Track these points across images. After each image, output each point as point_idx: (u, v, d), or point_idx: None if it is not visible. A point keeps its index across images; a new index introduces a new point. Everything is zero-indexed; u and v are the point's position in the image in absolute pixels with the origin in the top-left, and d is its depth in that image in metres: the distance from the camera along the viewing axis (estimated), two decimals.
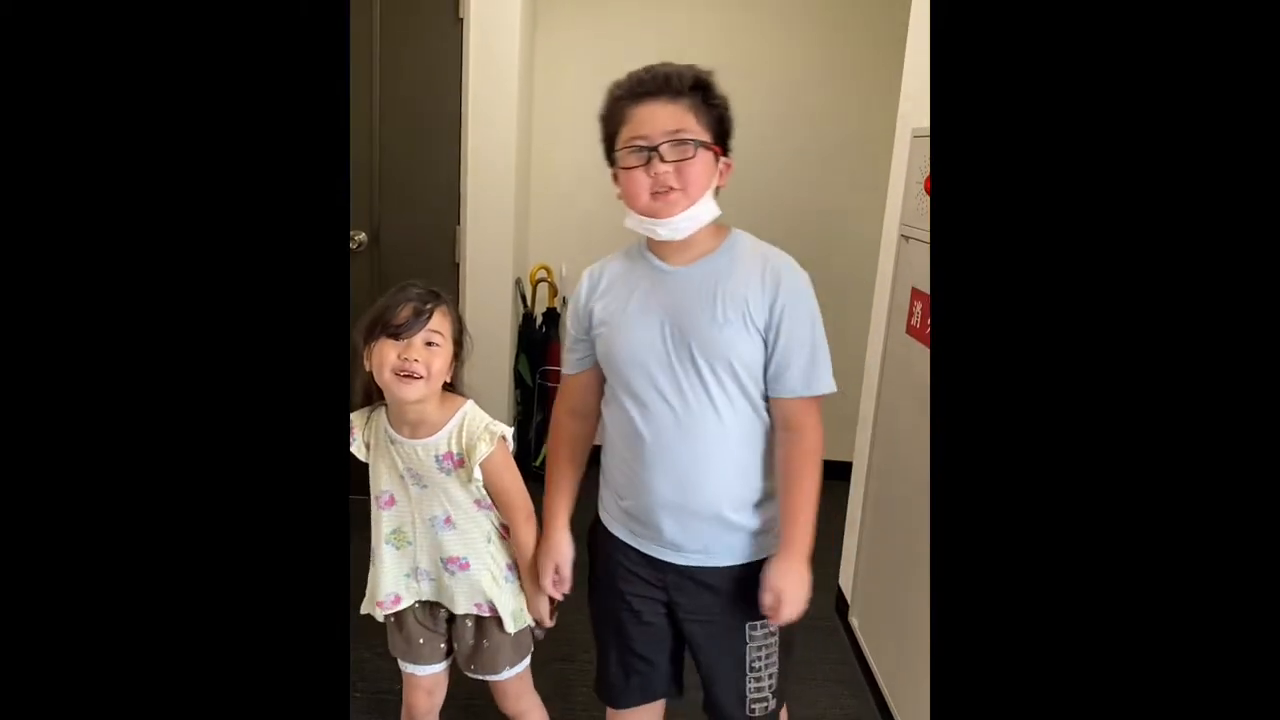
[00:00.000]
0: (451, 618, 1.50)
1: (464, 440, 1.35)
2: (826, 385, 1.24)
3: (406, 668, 1.54)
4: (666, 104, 1.18)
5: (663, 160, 1.17)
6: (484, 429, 1.35)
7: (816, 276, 1.27)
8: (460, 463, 1.35)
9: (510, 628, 1.44)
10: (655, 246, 1.27)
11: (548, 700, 1.94)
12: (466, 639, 1.49)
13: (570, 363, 1.37)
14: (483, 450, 1.33)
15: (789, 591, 1.25)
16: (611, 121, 1.23)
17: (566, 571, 1.39)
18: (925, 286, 1.85)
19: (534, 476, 3.32)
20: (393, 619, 1.49)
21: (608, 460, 1.36)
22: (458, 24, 2.75)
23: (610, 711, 1.49)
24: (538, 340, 3.23)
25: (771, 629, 1.33)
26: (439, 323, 1.31)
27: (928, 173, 1.85)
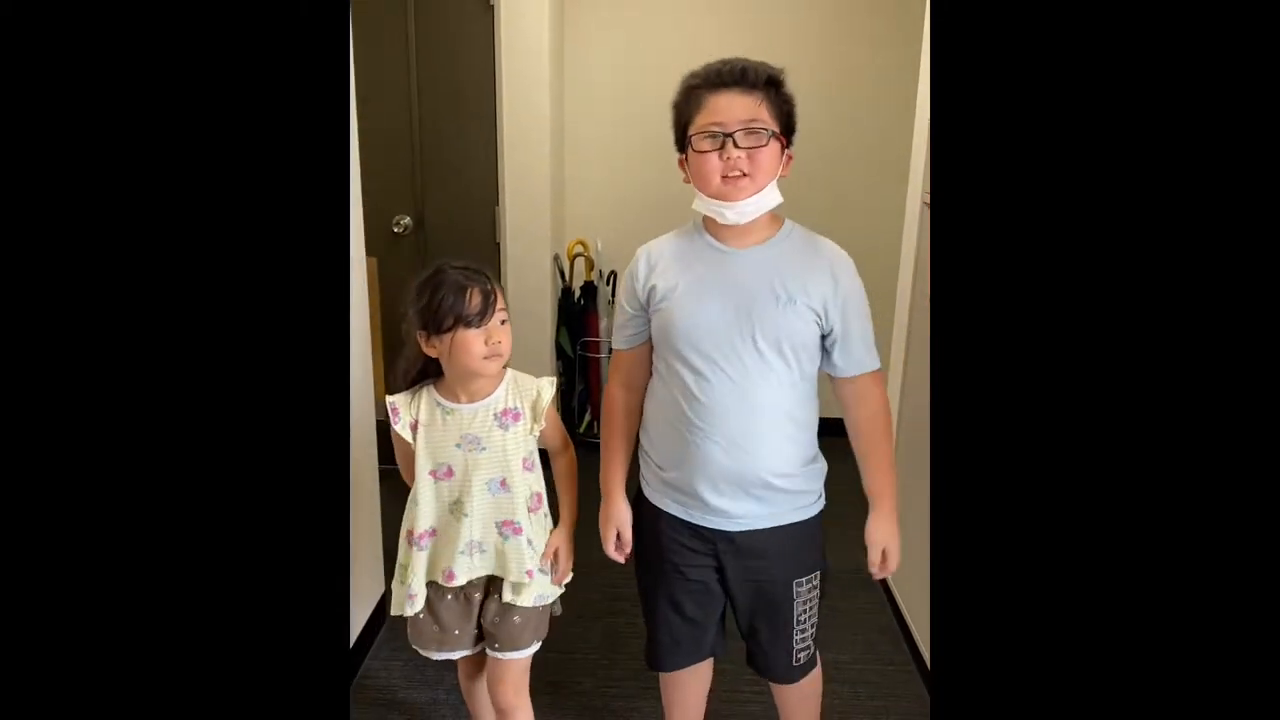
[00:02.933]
0: (485, 597, 1.52)
1: (519, 394, 1.44)
2: (878, 360, 1.37)
3: (440, 655, 1.55)
4: (742, 95, 1.23)
5: (736, 146, 1.23)
6: (537, 380, 1.47)
7: (848, 245, 1.35)
8: (518, 416, 1.44)
9: (529, 602, 1.49)
10: (714, 229, 1.33)
11: (599, 652, 2.09)
12: (493, 614, 1.51)
13: (624, 338, 1.42)
14: (548, 393, 1.45)
15: (892, 545, 1.38)
16: (686, 108, 1.28)
17: (627, 535, 1.45)
18: None
19: (580, 444, 3.45)
20: (423, 613, 1.50)
21: (653, 434, 1.42)
22: (489, 11, 2.84)
23: (663, 677, 1.57)
24: (576, 313, 3.35)
25: (814, 583, 1.43)
26: (502, 300, 1.38)
27: None
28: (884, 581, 2.36)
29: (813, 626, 1.46)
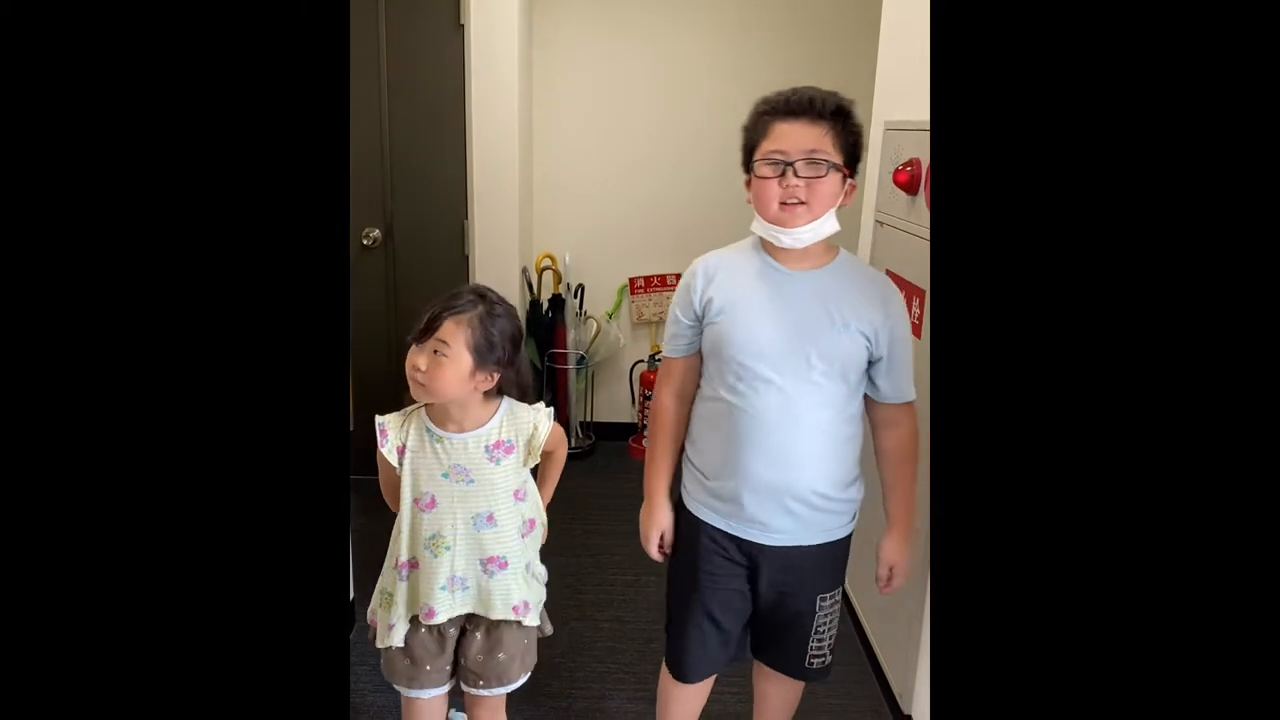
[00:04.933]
0: (461, 633, 1.48)
1: (514, 427, 1.40)
2: (914, 392, 1.42)
3: (411, 693, 1.48)
4: (808, 125, 1.27)
5: (796, 175, 1.26)
6: (533, 411, 1.42)
7: None
8: (511, 449, 1.39)
9: (534, 620, 1.48)
10: (772, 250, 1.36)
11: (565, 655, 2.15)
12: (475, 652, 1.47)
13: (678, 348, 1.43)
14: (545, 426, 1.42)
15: (900, 564, 1.43)
16: (753, 133, 1.32)
17: (670, 537, 1.49)
18: (898, 268, 2.01)
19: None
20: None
21: (700, 444, 1.44)
22: (459, 30, 2.90)
23: (674, 686, 1.57)
24: (544, 325, 3.41)
25: (837, 598, 1.48)
26: (447, 333, 1.30)
27: (896, 164, 2.00)
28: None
29: (831, 638, 1.51)
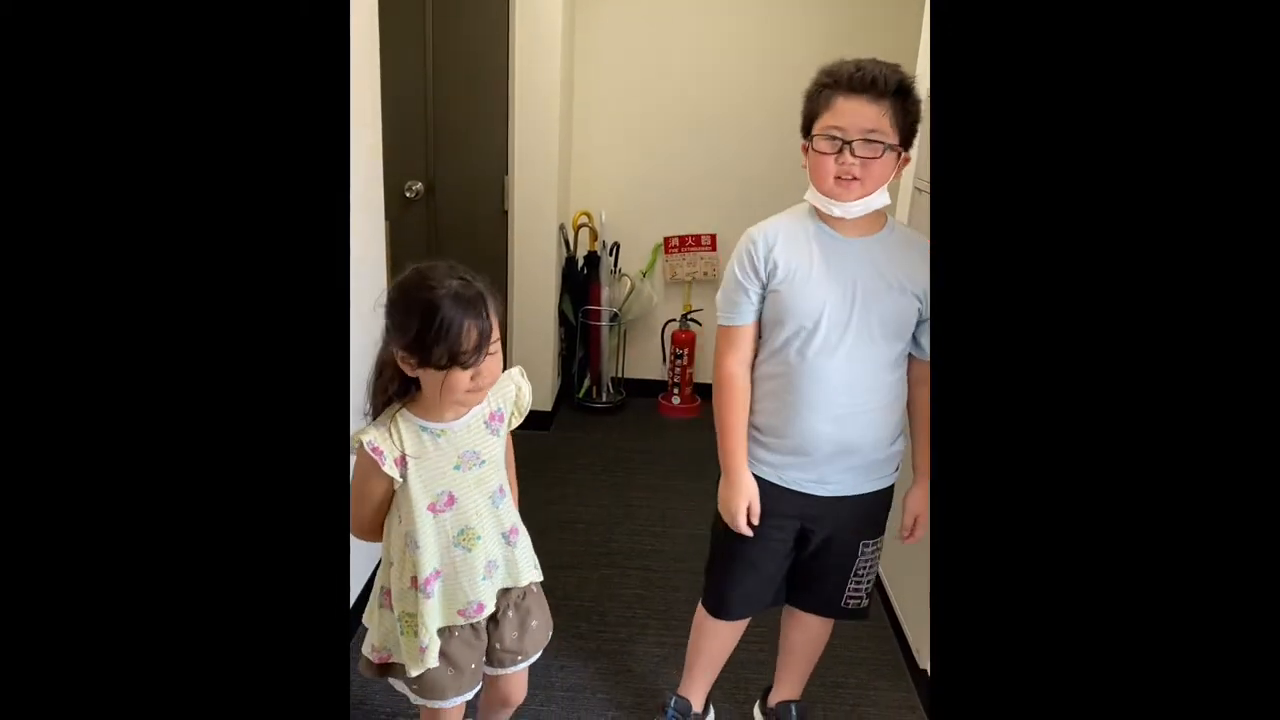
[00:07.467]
0: (493, 618, 1.41)
1: (500, 395, 1.34)
2: None
3: (454, 701, 1.39)
4: (868, 103, 1.27)
5: (853, 154, 1.29)
6: (510, 374, 1.35)
7: None
8: (502, 417, 1.34)
9: (539, 575, 1.44)
10: (826, 219, 1.40)
11: (595, 600, 2.24)
12: (510, 631, 1.42)
13: (744, 314, 1.45)
14: (527, 385, 1.36)
15: (925, 515, 1.48)
16: (814, 104, 1.34)
17: (757, 505, 1.47)
18: None
19: (578, 408, 3.58)
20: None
21: (758, 406, 1.48)
22: None
23: (710, 623, 1.64)
24: (580, 281, 3.46)
25: (879, 544, 1.54)
26: (495, 321, 1.21)
27: None
28: None
29: (869, 582, 1.58)
